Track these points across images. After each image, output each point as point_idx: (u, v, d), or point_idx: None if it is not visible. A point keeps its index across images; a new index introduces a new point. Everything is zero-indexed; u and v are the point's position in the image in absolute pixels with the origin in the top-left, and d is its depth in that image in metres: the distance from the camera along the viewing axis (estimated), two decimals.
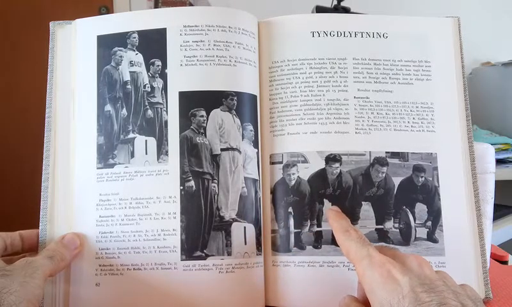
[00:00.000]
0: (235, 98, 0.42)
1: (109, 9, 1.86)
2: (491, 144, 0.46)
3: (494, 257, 0.55)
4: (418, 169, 0.43)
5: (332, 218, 0.38)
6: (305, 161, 0.42)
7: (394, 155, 0.43)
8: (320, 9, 1.36)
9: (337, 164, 0.42)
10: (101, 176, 0.42)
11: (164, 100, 0.43)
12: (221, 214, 0.41)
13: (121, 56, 0.44)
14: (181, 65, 0.43)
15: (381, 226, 0.42)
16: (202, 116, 0.42)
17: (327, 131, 0.43)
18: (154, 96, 0.43)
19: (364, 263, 0.31)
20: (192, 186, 0.41)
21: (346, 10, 1.38)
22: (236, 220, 0.41)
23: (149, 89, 0.43)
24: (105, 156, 0.42)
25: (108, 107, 0.43)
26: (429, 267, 0.31)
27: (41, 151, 0.42)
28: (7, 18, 1.82)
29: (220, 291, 0.39)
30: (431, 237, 0.42)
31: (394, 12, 1.71)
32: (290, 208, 0.42)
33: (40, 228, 0.41)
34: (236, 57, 0.43)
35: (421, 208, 0.42)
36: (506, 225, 1.27)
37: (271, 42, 0.45)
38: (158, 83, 0.43)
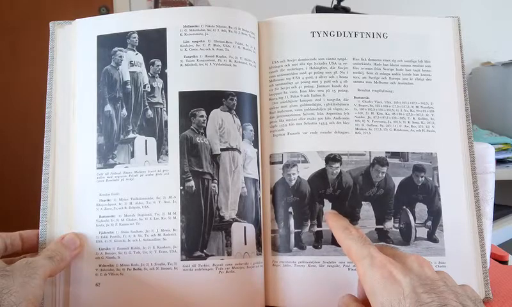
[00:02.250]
0: (235, 98, 0.42)
1: (109, 9, 1.86)
2: (491, 144, 0.46)
3: (494, 257, 0.55)
4: (418, 169, 0.43)
5: (330, 219, 0.38)
6: (305, 161, 0.42)
7: (394, 155, 0.43)
8: (320, 9, 1.36)
9: (337, 164, 0.42)
10: (101, 176, 0.42)
11: (164, 100, 0.43)
12: (221, 214, 0.41)
13: (121, 56, 0.44)
14: (181, 65, 0.43)
15: (381, 226, 0.42)
16: (202, 116, 0.42)
17: (327, 131, 0.43)
18: (154, 96, 0.43)
19: (365, 263, 0.31)
20: (192, 186, 0.41)
21: (346, 10, 1.38)
22: (236, 220, 0.41)
23: (149, 89, 0.43)
24: (105, 156, 0.42)
25: (108, 107, 0.43)
26: (430, 267, 0.31)
27: (41, 151, 0.42)
28: (7, 18, 1.82)
29: (220, 291, 0.39)
30: (431, 237, 0.42)
31: (394, 12, 1.70)
32: (291, 208, 0.42)
33: (40, 228, 0.41)
34: (236, 57, 0.43)
35: (421, 208, 0.42)
36: (506, 225, 1.27)
37: (271, 42, 0.45)
38: (158, 83, 0.43)
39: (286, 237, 0.42)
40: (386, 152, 0.43)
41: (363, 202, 0.42)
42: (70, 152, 0.43)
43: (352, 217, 0.42)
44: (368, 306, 0.30)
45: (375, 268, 0.30)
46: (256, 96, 0.44)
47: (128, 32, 0.44)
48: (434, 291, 0.27)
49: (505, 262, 0.55)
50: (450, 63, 0.45)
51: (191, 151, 0.42)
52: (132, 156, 0.42)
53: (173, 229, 0.40)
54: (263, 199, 0.43)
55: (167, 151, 0.42)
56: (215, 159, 0.42)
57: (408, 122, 0.43)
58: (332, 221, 0.37)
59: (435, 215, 0.42)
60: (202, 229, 0.40)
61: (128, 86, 0.44)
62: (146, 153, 0.42)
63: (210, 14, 0.44)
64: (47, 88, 0.44)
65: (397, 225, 0.42)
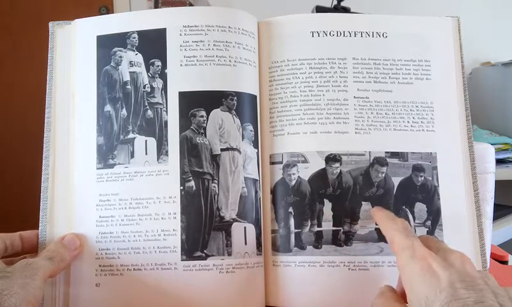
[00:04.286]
0: (235, 98, 0.42)
1: (109, 9, 1.86)
2: (491, 144, 0.46)
3: (494, 257, 0.55)
4: (417, 168, 0.43)
5: (377, 209, 0.38)
6: (305, 161, 0.42)
7: (394, 154, 0.43)
8: (320, 9, 1.36)
9: (337, 164, 0.42)
10: (101, 176, 0.42)
11: (164, 100, 0.43)
12: (221, 214, 0.41)
13: (120, 56, 0.44)
14: (181, 65, 0.43)
15: None
16: (202, 116, 0.42)
17: (327, 131, 0.43)
18: (154, 97, 0.43)
19: (406, 254, 0.31)
20: (193, 186, 0.41)
21: (346, 10, 1.38)
22: (236, 221, 0.41)
23: (149, 90, 0.43)
24: (105, 156, 0.42)
25: (108, 108, 0.43)
26: (472, 265, 0.30)
27: (41, 151, 0.42)
28: (7, 18, 1.82)
29: (220, 291, 0.39)
30: None
31: (394, 12, 1.70)
32: (291, 208, 0.42)
33: (40, 228, 0.41)
34: (236, 57, 0.43)
35: (420, 208, 0.42)
36: (506, 225, 1.26)
37: (270, 42, 0.45)
38: (158, 83, 0.43)
39: (286, 237, 0.42)
40: (386, 152, 0.43)
41: (363, 202, 0.42)
42: (69, 152, 0.43)
43: (352, 217, 0.42)
44: (404, 298, 0.30)
45: (415, 260, 0.30)
46: (256, 96, 0.44)
47: (128, 32, 0.44)
48: (472, 288, 0.27)
49: (505, 262, 0.55)
50: (450, 63, 0.45)
51: (191, 151, 0.42)
52: (132, 156, 0.42)
53: (173, 230, 0.40)
54: (263, 199, 0.43)
55: (167, 152, 0.42)
56: (215, 159, 0.42)
57: (408, 122, 0.43)
58: (378, 211, 0.37)
59: (434, 214, 0.42)
60: (202, 229, 0.40)
61: (128, 86, 0.43)
62: (146, 154, 0.42)
63: (210, 14, 0.44)
64: (47, 88, 0.44)
65: None
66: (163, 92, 0.43)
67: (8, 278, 0.32)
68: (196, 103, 0.42)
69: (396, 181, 0.42)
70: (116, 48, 0.44)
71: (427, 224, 0.42)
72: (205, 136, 0.42)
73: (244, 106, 0.43)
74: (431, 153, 0.43)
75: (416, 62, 0.45)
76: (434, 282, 0.28)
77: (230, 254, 0.40)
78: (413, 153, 0.43)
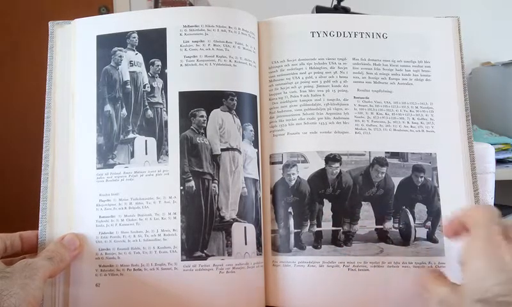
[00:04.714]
0: (235, 98, 0.42)
1: (109, 9, 1.85)
2: (491, 144, 0.46)
3: None
4: (417, 169, 0.43)
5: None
6: (305, 161, 0.42)
7: (394, 155, 0.43)
8: (320, 9, 1.36)
9: (337, 164, 0.42)
10: (101, 176, 0.42)
11: (164, 100, 0.43)
12: (222, 214, 0.41)
13: (120, 56, 0.44)
14: (181, 65, 0.43)
15: (381, 226, 0.42)
16: (202, 116, 0.42)
17: (327, 131, 0.43)
18: (154, 96, 0.43)
19: (480, 232, 0.30)
20: (193, 186, 0.41)
21: (346, 10, 1.38)
22: (236, 221, 0.41)
23: (149, 89, 0.43)
24: (105, 156, 0.42)
25: (108, 107, 0.43)
26: None
27: (41, 151, 0.42)
28: (7, 18, 1.82)
29: (220, 291, 0.39)
30: (430, 237, 0.41)
31: (394, 12, 1.70)
32: (290, 208, 0.42)
33: (40, 228, 0.41)
34: (236, 57, 0.43)
35: (421, 208, 0.42)
36: None
37: (270, 42, 0.45)
38: (158, 83, 0.43)
39: (286, 237, 0.42)
40: (386, 152, 0.43)
41: (362, 202, 0.42)
42: (69, 152, 0.43)
43: (352, 217, 0.42)
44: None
45: (483, 238, 0.29)
46: (256, 96, 0.44)
47: (128, 32, 0.44)
48: None
49: None
50: (450, 63, 0.45)
51: (191, 151, 0.42)
52: (132, 156, 0.42)
53: (173, 230, 0.40)
54: (263, 199, 0.43)
55: (167, 152, 0.42)
56: (215, 159, 0.42)
57: (408, 122, 0.43)
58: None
59: (434, 215, 0.42)
60: (202, 229, 0.40)
61: (128, 86, 0.43)
62: (146, 153, 0.42)
63: (210, 14, 0.44)
64: (47, 88, 0.44)
65: (396, 225, 0.42)
66: (163, 92, 0.43)
67: (8, 278, 0.32)
68: (196, 103, 0.42)
69: (396, 181, 0.43)
70: (116, 48, 0.44)
71: (427, 224, 0.42)
72: (205, 136, 0.42)
73: (244, 106, 0.43)
74: (430, 153, 0.43)
75: (416, 64, 0.45)
76: (497, 257, 0.27)
77: (230, 254, 0.40)
78: (413, 153, 0.43)
